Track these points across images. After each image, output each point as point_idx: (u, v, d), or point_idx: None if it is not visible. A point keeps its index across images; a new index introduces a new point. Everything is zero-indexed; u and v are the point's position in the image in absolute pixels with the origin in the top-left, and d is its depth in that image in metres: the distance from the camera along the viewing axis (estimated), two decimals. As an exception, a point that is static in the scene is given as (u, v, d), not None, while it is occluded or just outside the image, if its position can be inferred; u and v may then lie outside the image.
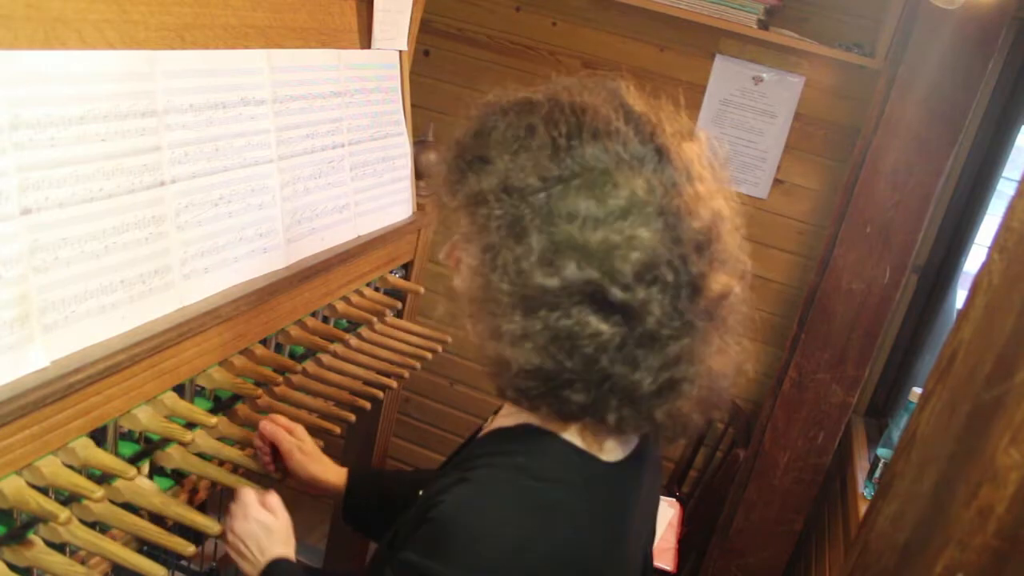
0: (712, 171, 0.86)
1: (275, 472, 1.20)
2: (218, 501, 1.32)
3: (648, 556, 1.04)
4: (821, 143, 2.51)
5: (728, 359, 0.88)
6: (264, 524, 1.08)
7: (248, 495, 1.11)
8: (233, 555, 1.10)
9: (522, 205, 0.79)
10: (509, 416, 0.94)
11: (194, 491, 1.19)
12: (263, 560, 1.06)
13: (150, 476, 1.13)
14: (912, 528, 0.76)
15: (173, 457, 1.13)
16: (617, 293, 0.78)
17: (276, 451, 1.19)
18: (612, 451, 0.90)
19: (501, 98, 0.86)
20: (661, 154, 0.81)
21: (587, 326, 0.79)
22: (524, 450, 0.88)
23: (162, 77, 1.12)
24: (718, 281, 0.84)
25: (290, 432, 1.19)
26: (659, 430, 0.87)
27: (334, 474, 1.22)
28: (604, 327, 0.79)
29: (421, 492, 0.94)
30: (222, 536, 1.09)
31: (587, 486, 0.87)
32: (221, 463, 1.19)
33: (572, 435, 0.88)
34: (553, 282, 0.78)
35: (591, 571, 0.86)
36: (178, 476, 1.16)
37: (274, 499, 1.11)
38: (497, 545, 0.81)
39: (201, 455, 1.15)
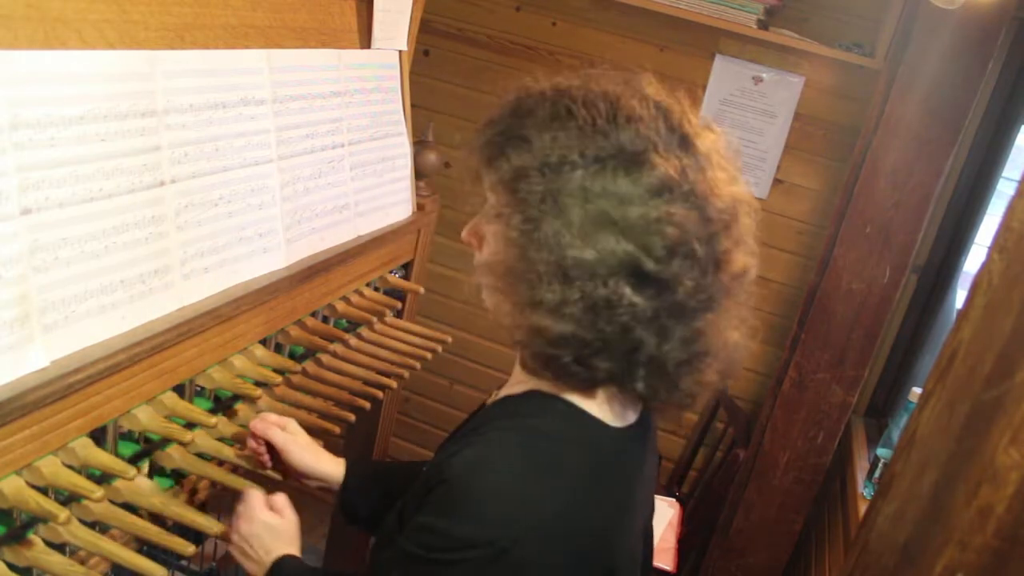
0: (728, 161, 0.92)
1: (273, 471, 1.19)
2: (218, 501, 1.32)
3: (648, 529, 1.07)
4: (821, 143, 2.51)
5: (742, 333, 0.94)
6: (269, 525, 1.08)
7: (254, 497, 1.11)
8: (238, 556, 1.10)
9: (561, 180, 0.84)
10: (517, 385, 0.98)
11: (194, 491, 1.19)
12: (268, 560, 1.06)
13: (150, 476, 1.13)
14: (912, 528, 0.76)
15: (173, 457, 1.13)
16: (651, 266, 0.83)
17: (272, 449, 1.18)
18: (619, 418, 0.94)
19: (538, 82, 0.92)
20: (686, 141, 0.88)
21: (623, 296, 0.84)
22: (536, 412, 0.92)
23: (162, 77, 1.12)
24: (738, 260, 0.90)
25: (282, 428, 1.19)
26: (681, 398, 0.92)
27: (331, 464, 1.22)
28: (638, 299, 0.84)
29: (425, 467, 0.96)
30: (226, 538, 1.09)
31: (594, 447, 0.91)
32: (221, 463, 1.19)
33: (581, 401, 0.92)
34: (591, 254, 0.83)
35: (596, 530, 0.89)
36: (178, 476, 1.16)
37: (281, 500, 1.12)
38: (508, 500, 0.84)
39: (201, 455, 1.16)
